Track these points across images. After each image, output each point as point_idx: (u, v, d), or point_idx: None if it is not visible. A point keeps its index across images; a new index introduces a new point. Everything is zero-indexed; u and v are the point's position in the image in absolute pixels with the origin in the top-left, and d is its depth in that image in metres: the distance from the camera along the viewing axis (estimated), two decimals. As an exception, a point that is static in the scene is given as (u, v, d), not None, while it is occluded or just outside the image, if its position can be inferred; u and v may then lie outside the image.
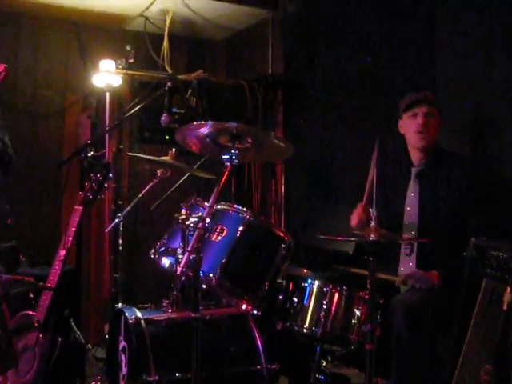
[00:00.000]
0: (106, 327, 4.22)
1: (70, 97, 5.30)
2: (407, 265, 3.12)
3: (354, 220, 3.22)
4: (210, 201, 2.62)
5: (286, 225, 4.97)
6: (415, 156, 3.24)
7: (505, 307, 2.10)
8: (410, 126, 3.18)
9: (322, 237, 2.93)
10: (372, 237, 2.65)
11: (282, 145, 2.82)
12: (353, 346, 2.90)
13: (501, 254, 2.20)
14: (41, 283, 2.84)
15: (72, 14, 5.06)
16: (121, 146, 4.45)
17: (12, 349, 2.33)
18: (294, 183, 4.98)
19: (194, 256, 2.48)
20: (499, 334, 2.10)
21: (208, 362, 2.70)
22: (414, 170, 3.23)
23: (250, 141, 2.75)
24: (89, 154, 3.57)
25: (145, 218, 4.58)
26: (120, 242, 4.06)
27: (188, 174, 3.86)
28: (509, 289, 2.10)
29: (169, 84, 3.50)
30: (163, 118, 3.53)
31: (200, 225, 2.53)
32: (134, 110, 3.64)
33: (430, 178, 3.18)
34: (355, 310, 2.86)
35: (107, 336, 3.36)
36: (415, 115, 3.14)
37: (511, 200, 3.16)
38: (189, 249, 2.50)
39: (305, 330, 2.91)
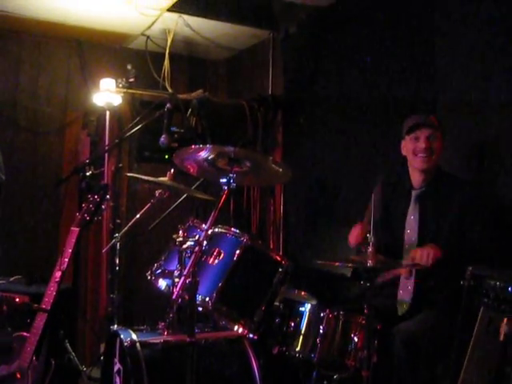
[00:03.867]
0: (102, 347, 4.20)
1: (71, 114, 5.31)
2: (406, 288, 3.10)
3: (353, 239, 3.21)
4: (208, 224, 2.62)
5: (285, 245, 4.95)
6: (416, 178, 3.23)
7: (501, 338, 2.09)
8: (412, 149, 3.17)
9: (319, 262, 2.91)
10: (369, 263, 2.64)
11: (281, 169, 2.81)
12: (349, 372, 2.87)
13: (498, 283, 2.18)
14: (36, 305, 2.83)
15: (74, 31, 5.09)
16: (120, 165, 4.45)
17: None
18: (293, 203, 4.97)
19: (190, 280, 2.47)
20: (496, 365, 2.08)
21: (203, 386, 2.69)
22: (414, 193, 3.22)
23: (248, 164, 2.75)
24: (87, 173, 3.57)
25: (142, 238, 4.57)
26: (117, 261, 4.05)
27: (186, 194, 3.86)
28: (506, 320, 2.09)
29: (168, 105, 3.50)
30: (162, 139, 3.53)
31: (197, 248, 2.52)
32: (134, 130, 3.64)
33: (430, 201, 3.17)
34: (352, 335, 2.83)
35: (102, 357, 3.33)
36: (417, 138, 3.14)
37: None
38: (185, 273, 2.49)
39: (301, 355, 2.89)
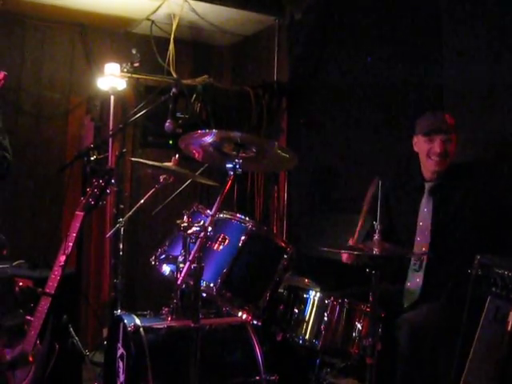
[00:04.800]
0: (105, 331, 4.20)
1: (75, 99, 5.30)
2: (414, 280, 3.08)
3: (345, 257, 3.21)
4: (213, 210, 2.60)
5: (288, 232, 4.95)
6: (428, 174, 3.18)
7: (509, 328, 2.07)
8: (426, 150, 3.11)
9: (324, 249, 2.89)
10: (375, 251, 2.62)
11: (287, 155, 2.79)
12: (353, 360, 2.87)
13: (506, 272, 2.17)
14: (40, 289, 2.81)
15: (78, 15, 5.06)
16: (124, 150, 4.42)
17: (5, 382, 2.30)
18: (297, 190, 4.97)
19: (195, 265, 2.46)
20: (503, 355, 2.07)
21: (207, 372, 2.69)
22: (427, 186, 3.17)
23: (254, 150, 2.73)
24: (91, 158, 3.55)
25: (146, 223, 4.56)
26: (121, 246, 4.03)
27: (190, 180, 3.84)
28: (513, 308, 2.08)
29: (174, 90, 3.47)
30: (167, 125, 3.50)
31: (202, 234, 2.51)
32: (138, 115, 3.61)
33: (443, 194, 3.12)
34: (356, 323, 2.81)
35: (105, 342, 3.33)
36: (432, 141, 3.08)
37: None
38: (190, 258, 2.48)
39: (305, 342, 2.87)
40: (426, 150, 3.11)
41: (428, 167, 3.15)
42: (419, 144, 3.18)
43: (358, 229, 3.07)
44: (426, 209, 3.15)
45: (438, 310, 2.84)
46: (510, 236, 2.94)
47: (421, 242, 3.09)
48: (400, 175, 3.39)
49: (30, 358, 2.78)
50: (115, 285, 4.11)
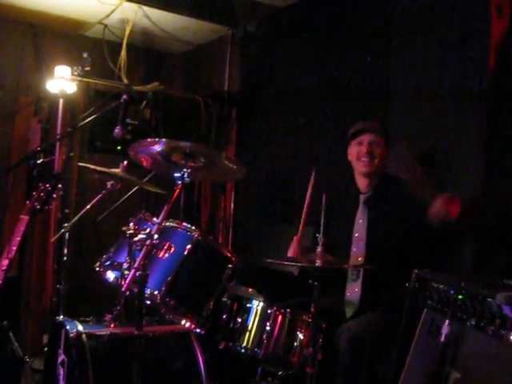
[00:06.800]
0: (45, 338, 4.14)
1: (22, 99, 5.20)
2: (353, 290, 3.16)
3: (290, 252, 3.28)
4: (160, 218, 2.62)
5: (234, 242, 4.98)
6: (362, 183, 3.31)
7: (442, 339, 2.16)
8: (355, 153, 3.25)
9: (268, 260, 2.95)
10: (317, 262, 2.69)
11: (234, 166, 2.83)
12: (294, 369, 2.91)
13: (441, 286, 2.26)
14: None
15: (29, 15, 4.98)
16: (71, 154, 4.38)
17: None
18: (244, 201, 5.01)
19: (140, 273, 2.47)
20: (436, 364, 2.16)
21: (149, 380, 2.68)
22: (362, 197, 3.29)
23: (203, 160, 2.76)
24: (38, 161, 3.50)
25: (91, 229, 4.52)
26: (65, 251, 3.99)
27: (137, 186, 3.83)
28: (447, 321, 2.16)
29: (124, 97, 3.47)
30: (117, 131, 3.48)
31: (148, 242, 2.52)
32: (88, 120, 3.59)
33: (377, 205, 3.23)
34: (298, 333, 2.87)
35: (46, 348, 3.29)
36: (361, 143, 3.22)
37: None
38: (136, 265, 2.49)
39: (247, 351, 2.91)
40: (356, 153, 3.24)
41: (358, 170, 3.28)
42: (351, 151, 3.31)
43: (301, 224, 3.16)
44: (361, 220, 3.25)
45: (377, 320, 2.92)
46: (443, 247, 3.06)
47: (357, 253, 3.19)
48: (339, 187, 3.49)
49: None
50: (58, 290, 4.06)
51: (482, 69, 3.15)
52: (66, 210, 4.44)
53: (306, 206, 3.20)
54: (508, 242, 2.93)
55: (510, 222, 2.95)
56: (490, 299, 2.01)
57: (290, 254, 3.27)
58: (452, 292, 2.19)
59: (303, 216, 3.22)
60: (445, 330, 2.18)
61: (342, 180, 3.62)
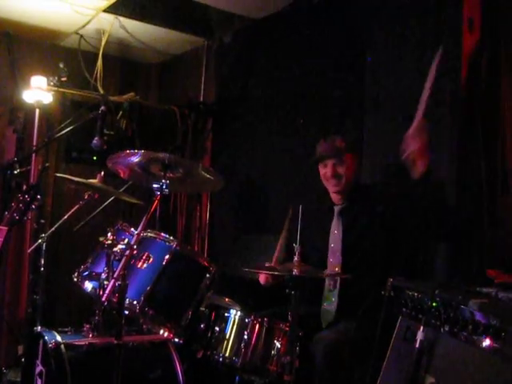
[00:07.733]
0: (20, 349, 4.11)
1: (-3, 109, 5.17)
2: (330, 300, 3.20)
3: (262, 279, 3.35)
4: (139, 228, 2.63)
5: (209, 252, 5.00)
6: (334, 197, 3.34)
7: (417, 345, 2.22)
8: (322, 175, 3.29)
9: (245, 269, 2.98)
10: (295, 272, 2.72)
11: (212, 178, 2.87)
12: (271, 377, 2.94)
13: (416, 294, 2.32)
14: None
15: (5, 24, 4.96)
16: (47, 164, 4.36)
17: None
18: (219, 210, 5.03)
19: (119, 283, 2.49)
20: (411, 370, 2.21)
21: (127, 389, 2.69)
22: (336, 208, 3.33)
23: (181, 171, 2.79)
24: (15, 172, 3.50)
25: (68, 239, 4.51)
26: (42, 262, 3.97)
27: (113, 197, 3.84)
28: (421, 328, 2.22)
29: (102, 108, 3.49)
30: (95, 142, 3.50)
31: (128, 252, 2.53)
32: (65, 131, 3.61)
33: (351, 216, 3.27)
34: (275, 341, 2.91)
35: (23, 359, 3.28)
36: (325, 165, 3.26)
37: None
38: (115, 275, 2.50)
39: (225, 360, 2.94)
40: (323, 175, 3.29)
41: (330, 189, 3.32)
42: (320, 170, 3.34)
43: (276, 254, 3.22)
44: (336, 231, 3.29)
45: (353, 328, 2.96)
46: (417, 255, 3.13)
47: (333, 263, 3.23)
48: (312, 198, 3.54)
49: None
50: (35, 301, 4.04)
51: (455, 80, 3.22)
52: (42, 221, 4.44)
53: (282, 237, 3.24)
54: (480, 247, 3.00)
55: (482, 229, 3.01)
56: (463, 306, 2.07)
57: (261, 280, 3.35)
58: (426, 299, 2.25)
59: (278, 247, 3.29)
60: (419, 336, 2.23)
61: (316, 191, 3.65)
